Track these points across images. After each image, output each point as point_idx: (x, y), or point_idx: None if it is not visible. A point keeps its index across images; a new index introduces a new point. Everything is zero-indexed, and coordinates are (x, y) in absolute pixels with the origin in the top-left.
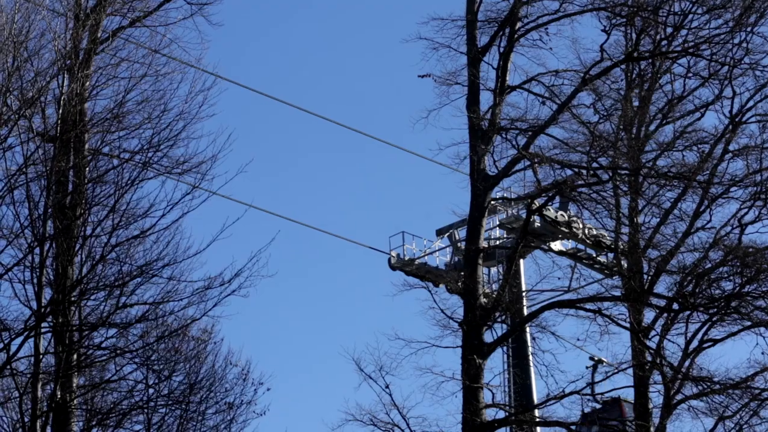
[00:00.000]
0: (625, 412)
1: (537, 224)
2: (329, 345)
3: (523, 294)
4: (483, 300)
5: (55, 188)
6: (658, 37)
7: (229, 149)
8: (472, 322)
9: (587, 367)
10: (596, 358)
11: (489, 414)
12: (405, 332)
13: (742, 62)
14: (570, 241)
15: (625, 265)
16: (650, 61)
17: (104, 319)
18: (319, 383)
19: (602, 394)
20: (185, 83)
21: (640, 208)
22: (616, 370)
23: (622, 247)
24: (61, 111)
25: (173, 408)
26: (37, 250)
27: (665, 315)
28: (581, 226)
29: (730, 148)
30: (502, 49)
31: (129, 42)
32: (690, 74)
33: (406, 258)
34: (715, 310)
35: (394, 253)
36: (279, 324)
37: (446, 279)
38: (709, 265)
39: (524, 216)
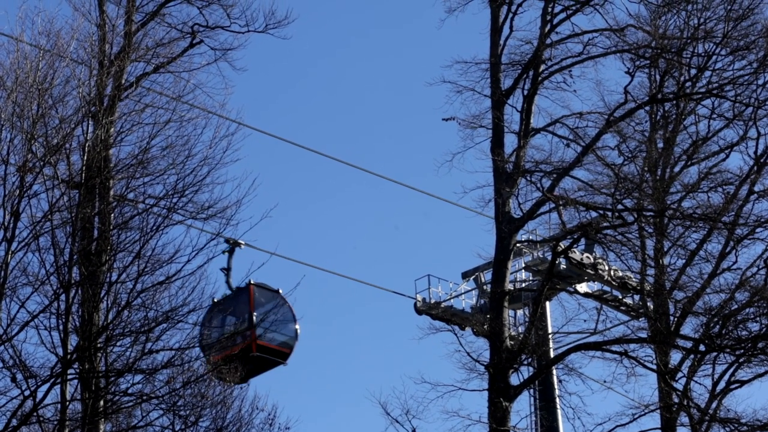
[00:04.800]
0: (254, 295)
1: (562, 266)
2: (355, 389)
3: (549, 336)
4: (509, 343)
5: (80, 235)
6: (682, 78)
7: (254, 194)
8: (499, 365)
9: (223, 252)
10: (231, 240)
11: None
12: (431, 376)
13: (767, 103)
14: (596, 283)
15: (651, 306)
16: (674, 102)
17: (130, 366)
18: (346, 427)
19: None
20: (209, 128)
21: (665, 249)
22: (643, 412)
23: (647, 288)
24: (85, 157)
25: None
26: (62, 297)
27: (692, 356)
28: (607, 268)
29: (756, 188)
30: (526, 92)
31: (151, 90)
32: (714, 115)
33: (432, 301)
34: (742, 351)
35: (419, 298)
36: (305, 368)
37: (472, 322)
38: (736, 307)
39: (549, 258)
